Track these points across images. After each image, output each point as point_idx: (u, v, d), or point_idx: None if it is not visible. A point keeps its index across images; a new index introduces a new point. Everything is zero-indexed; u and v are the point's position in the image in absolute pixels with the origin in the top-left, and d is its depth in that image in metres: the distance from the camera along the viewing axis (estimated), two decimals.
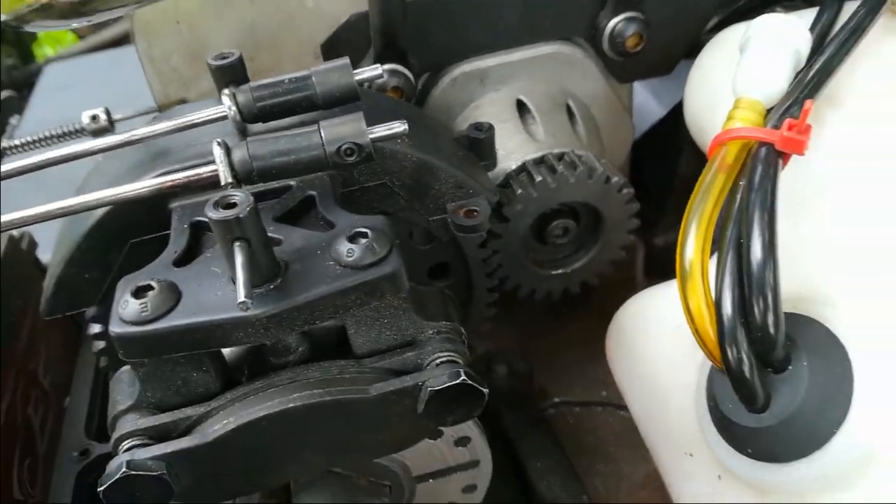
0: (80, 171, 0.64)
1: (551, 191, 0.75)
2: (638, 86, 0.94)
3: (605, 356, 0.73)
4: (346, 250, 0.49)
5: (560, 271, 0.84)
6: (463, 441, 0.64)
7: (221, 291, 0.48)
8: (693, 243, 0.52)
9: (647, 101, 1.04)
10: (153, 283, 0.49)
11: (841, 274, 0.53)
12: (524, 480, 0.84)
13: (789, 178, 0.53)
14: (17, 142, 0.75)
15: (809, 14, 0.64)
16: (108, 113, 0.66)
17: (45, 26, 0.61)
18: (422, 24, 0.74)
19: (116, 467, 0.48)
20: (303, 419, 0.51)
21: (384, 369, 0.53)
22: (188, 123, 0.58)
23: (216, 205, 0.45)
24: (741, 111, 0.56)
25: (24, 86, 1.51)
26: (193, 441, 0.50)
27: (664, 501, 0.66)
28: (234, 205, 0.45)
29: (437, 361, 0.52)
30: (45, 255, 0.85)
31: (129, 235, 0.59)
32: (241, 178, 0.52)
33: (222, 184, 0.52)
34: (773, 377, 0.51)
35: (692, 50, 0.78)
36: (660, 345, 0.66)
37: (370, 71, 0.58)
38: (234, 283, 0.45)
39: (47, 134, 0.75)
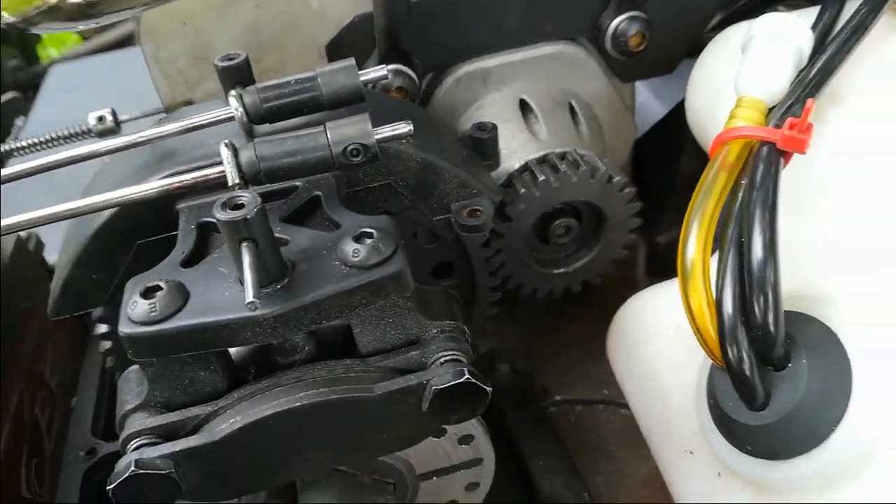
0: (87, 172, 0.64)
1: (554, 190, 0.75)
2: (640, 85, 0.94)
3: (607, 355, 0.73)
4: (352, 250, 0.49)
5: (562, 270, 0.84)
6: (466, 439, 0.64)
7: (229, 292, 0.49)
8: (694, 242, 0.52)
9: (649, 101, 1.04)
10: (162, 284, 0.49)
11: (841, 272, 0.53)
12: (526, 478, 0.84)
13: (791, 177, 0.53)
14: (23, 143, 0.75)
15: (811, 13, 0.64)
16: (114, 114, 0.67)
17: (53, 28, 0.61)
18: (425, 25, 0.74)
19: (125, 466, 0.49)
20: (309, 418, 0.51)
21: (389, 368, 0.53)
22: (195, 125, 0.58)
23: (224, 206, 0.46)
24: (743, 110, 0.56)
25: (29, 87, 1.51)
26: (201, 440, 0.50)
27: (665, 500, 0.66)
28: (241, 206, 0.45)
29: (442, 360, 0.53)
30: (52, 256, 0.85)
31: (136, 236, 0.59)
32: (249, 178, 0.52)
33: (230, 185, 0.52)
34: (773, 375, 0.51)
35: (694, 49, 0.78)
36: (661, 343, 0.66)
37: (375, 72, 0.58)
38: (242, 283, 0.46)
39: (53, 135, 0.75)
